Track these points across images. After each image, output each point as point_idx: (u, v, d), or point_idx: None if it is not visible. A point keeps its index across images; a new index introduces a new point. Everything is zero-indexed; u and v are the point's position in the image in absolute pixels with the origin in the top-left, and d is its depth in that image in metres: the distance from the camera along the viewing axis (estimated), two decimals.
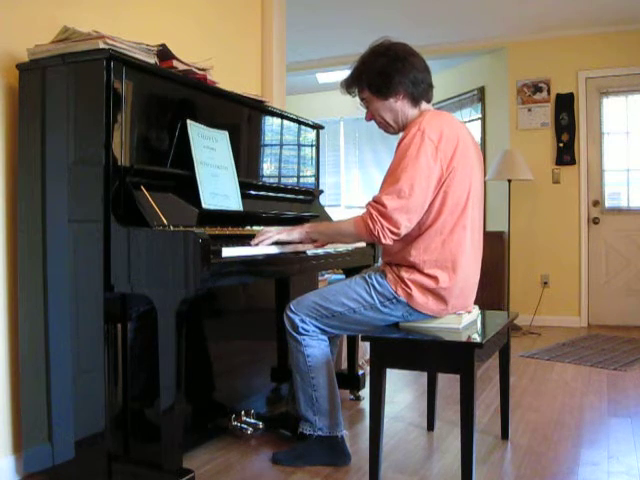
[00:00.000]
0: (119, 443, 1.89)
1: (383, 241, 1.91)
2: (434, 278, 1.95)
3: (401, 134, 2.04)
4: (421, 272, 1.96)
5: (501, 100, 5.42)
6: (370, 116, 2.15)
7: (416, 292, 1.96)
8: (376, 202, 1.91)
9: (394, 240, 1.94)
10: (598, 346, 4.23)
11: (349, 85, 2.13)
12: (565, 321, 5.15)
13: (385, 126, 2.14)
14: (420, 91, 2.06)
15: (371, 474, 1.90)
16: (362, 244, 2.72)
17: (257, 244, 2.00)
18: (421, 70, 2.06)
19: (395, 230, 1.90)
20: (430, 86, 2.10)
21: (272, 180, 2.74)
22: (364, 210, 1.95)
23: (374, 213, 1.90)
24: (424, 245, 1.96)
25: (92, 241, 1.79)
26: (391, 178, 1.92)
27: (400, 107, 2.07)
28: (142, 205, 1.81)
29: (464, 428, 1.78)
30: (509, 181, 4.95)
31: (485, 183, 5.56)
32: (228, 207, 2.17)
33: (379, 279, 2.03)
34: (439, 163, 1.90)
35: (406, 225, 1.91)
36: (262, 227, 2.27)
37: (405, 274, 1.98)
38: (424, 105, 2.11)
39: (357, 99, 2.18)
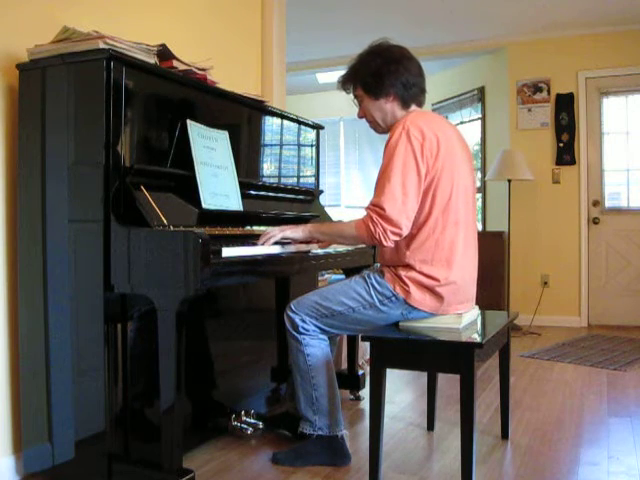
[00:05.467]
0: (119, 443, 1.89)
1: (385, 243, 1.94)
2: (430, 276, 1.97)
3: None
4: (418, 271, 1.98)
5: (501, 100, 5.42)
6: (362, 113, 2.19)
7: (414, 289, 1.98)
8: (374, 205, 1.93)
9: (395, 241, 1.96)
10: (598, 346, 4.23)
11: (345, 82, 2.18)
12: (565, 321, 5.15)
13: (374, 125, 2.19)
14: (411, 94, 2.10)
15: (371, 474, 1.90)
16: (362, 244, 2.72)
17: (263, 243, 2.03)
18: (414, 74, 2.09)
19: (397, 231, 1.92)
20: (422, 91, 2.14)
21: (272, 180, 2.74)
22: (364, 214, 1.97)
23: (374, 216, 1.92)
24: (418, 245, 1.98)
25: (92, 241, 1.79)
26: (383, 179, 1.95)
27: (390, 108, 2.11)
28: (142, 205, 1.81)
29: (464, 428, 1.78)
30: (509, 181, 4.96)
31: (485, 183, 5.62)
32: (228, 207, 2.17)
33: (378, 278, 2.04)
34: (425, 160, 1.94)
35: (406, 224, 1.93)
36: (262, 227, 2.27)
37: (402, 272, 2.00)
38: (413, 107, 2.14)
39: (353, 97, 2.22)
